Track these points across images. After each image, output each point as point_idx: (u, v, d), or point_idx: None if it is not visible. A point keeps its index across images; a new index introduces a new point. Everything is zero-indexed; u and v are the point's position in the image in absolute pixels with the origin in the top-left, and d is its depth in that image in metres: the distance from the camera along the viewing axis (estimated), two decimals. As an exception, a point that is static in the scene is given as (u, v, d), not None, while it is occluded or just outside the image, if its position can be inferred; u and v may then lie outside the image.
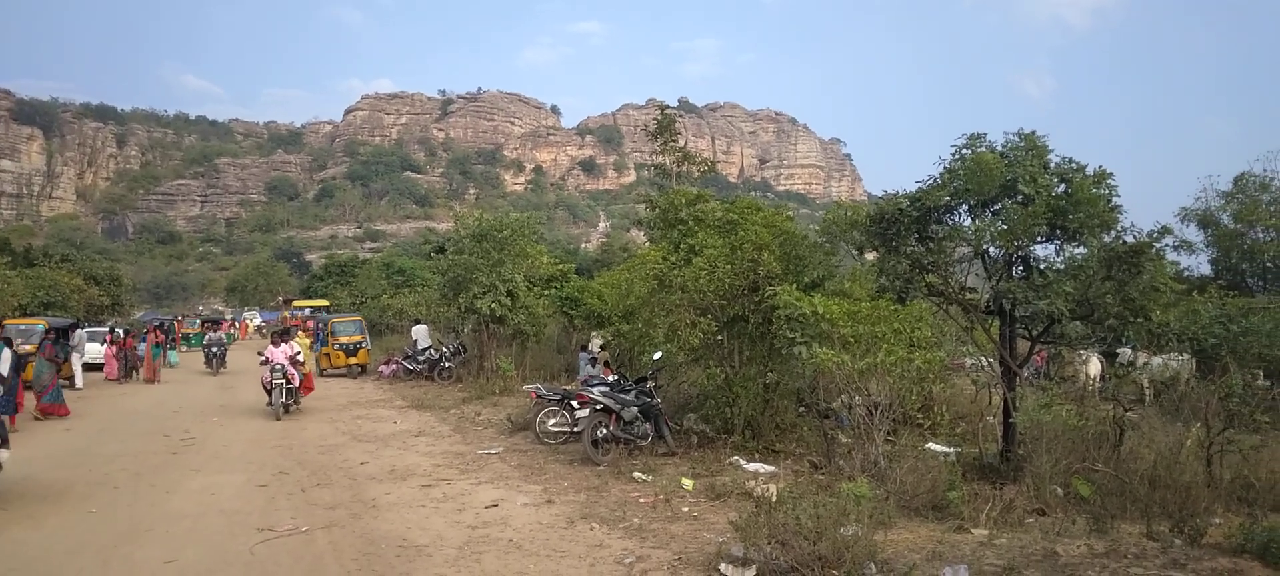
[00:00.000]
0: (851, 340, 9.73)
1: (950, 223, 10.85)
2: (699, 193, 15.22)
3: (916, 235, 11.63)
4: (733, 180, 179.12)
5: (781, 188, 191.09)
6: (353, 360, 26.10)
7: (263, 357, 16.55)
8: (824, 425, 10.77)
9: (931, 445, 10.18)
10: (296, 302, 50.42)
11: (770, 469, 9.90)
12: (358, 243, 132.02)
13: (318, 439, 13.52)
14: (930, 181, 11.12)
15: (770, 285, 10.87)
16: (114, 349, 24.86)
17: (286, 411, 16.29)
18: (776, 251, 11.49)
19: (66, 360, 20.23)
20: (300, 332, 26.95)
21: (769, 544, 6.02)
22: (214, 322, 39.27)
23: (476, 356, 23.29)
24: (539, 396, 13.21)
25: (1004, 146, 10.12)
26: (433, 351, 24.24)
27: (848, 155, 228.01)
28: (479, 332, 23.14)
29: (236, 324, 53.25)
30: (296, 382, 16.69)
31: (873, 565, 5.86)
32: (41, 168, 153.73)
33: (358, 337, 26.84)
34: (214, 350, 27.63)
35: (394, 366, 24.96)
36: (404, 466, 11.05)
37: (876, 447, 8.99)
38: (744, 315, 11.46)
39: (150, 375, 24.70)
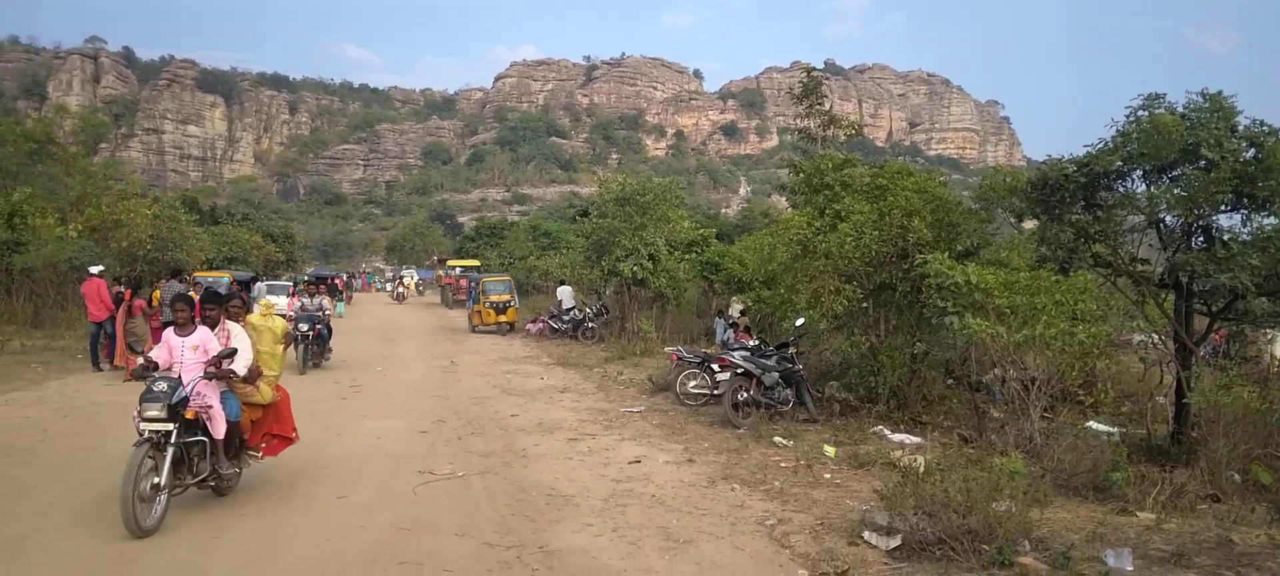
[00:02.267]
0: (1007, 311, 9.29)
1: (1122, 189, 10.17)
2: (846, 156, 14.86)
3: (1083, 202, 10.94)
4: (880, 144, 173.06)
5: (933, 152, 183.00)
6: (502, 318, 27.19)
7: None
8: (975, 398, 10.40)
9: (1093, 424, 9.65)
10: (450, 262, 52.79)
11: (916, 440, 9.66)
12: (506, 205, 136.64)
13: (471, 391, 14.25)
14: (1100, 145, 10.42)
15: (921, 252, 10.52)
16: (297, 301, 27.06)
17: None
18: (928, 218, 11.09)
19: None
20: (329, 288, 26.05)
21: (915, 514, 5.92)
22: (316, 282, 23.13)
23: (618, 318, 23.80)
24: (679, 358, 13.38)
25: (1185, 108, 9.35)
26: (577, 312, 24.92)
27: (1006, 118, 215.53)
28: (621, 295, 23.61)
29: (352, 282, 48.28)
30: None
31: (1027, 542, 5.66)
32: (223, 133, 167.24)
33: (507, 297, 27.90)
34: (305, 331, 16.48)
35: (540, 325, 25.87)
36: (551, 420, 11.49)
37: (1032, 423, 8.61)
38: (891, 283, 11.17)
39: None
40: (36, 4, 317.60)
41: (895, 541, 5.87)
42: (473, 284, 31.65)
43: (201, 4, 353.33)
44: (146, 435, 6.18)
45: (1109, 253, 11.12)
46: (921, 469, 6.95)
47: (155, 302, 15.77)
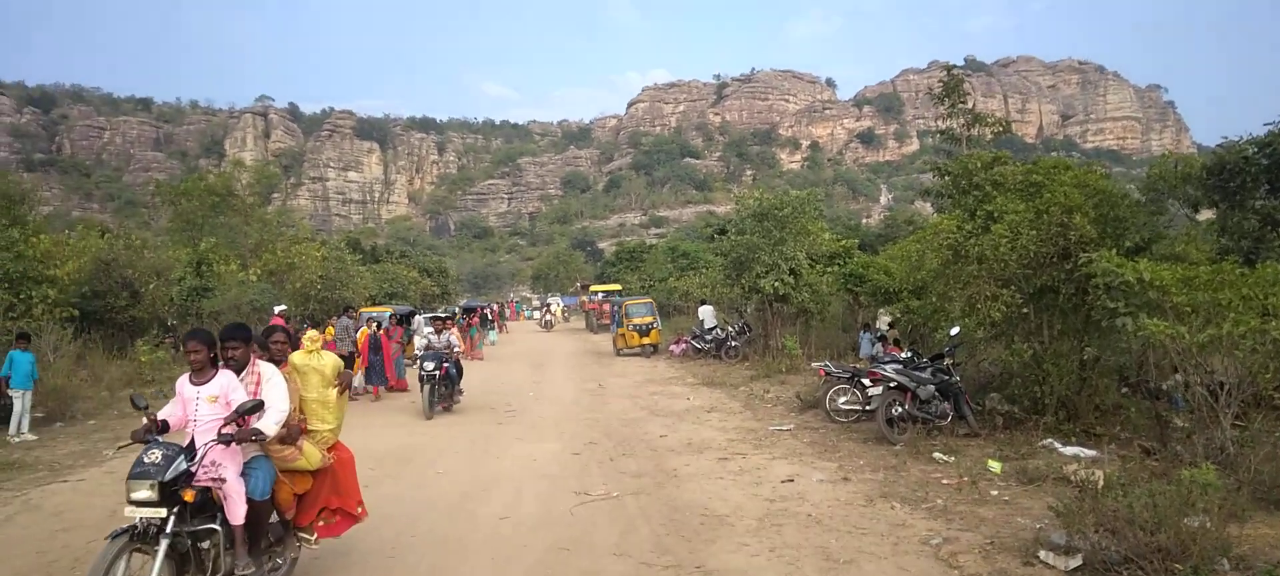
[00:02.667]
0: (1187, 310, 8.57)
1: (1316, 169, 9.25)
2: (996, 154, 14.18)
3: (1267, 186, 10.06)
4: (1030, 140, 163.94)
5: (1089, 145, 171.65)
6: (645, 340, 27.51)
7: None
8: (1155, 406, 9.65)
9: (1295, 431, 8.74)
10: (592, 287, 53.95)
11: (1091, 453, 9.05)
12: (644, 229, 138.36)
13: (620, 413, 14.49)
14: (1287, 122, 9.54)
15: (1084, 251, 9.87)
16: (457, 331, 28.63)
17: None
18: (1090, 213, 10.40)
19: (409, 341, 23.40)
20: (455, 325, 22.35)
21: (1096, 532, 5.56)
22: (443, 319, 17.72)
23: (761, 335, 23.58)
24: (828, 374, 13.12)
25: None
26: (719, 331, 24.89)
27: (1170, 103, 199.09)
28: (763, 312, 23.40)
29: (491, 314, 41.31)
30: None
31: (1225, 561, 5.21)
32: (380, 176, 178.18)
33: (649, 319, 28.20)
34: (430, 370, 14.67)
35: (683, 346, 26.00)
36: (700, 440, 11.52)
37: (1223, 432, 7.89)
38: (1053, 285, 10.53)
39: (474, 354, 27.97)
40: (214, 69, 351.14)
41: (1076, 561, 5.53)
42: (615, 308, 32.19)
43: (356, 58, 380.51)
44: (134, 523, 4.58)
45: (1305, 240, 10.14)
46: (1101, 483, 6.51)
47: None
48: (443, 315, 21.95)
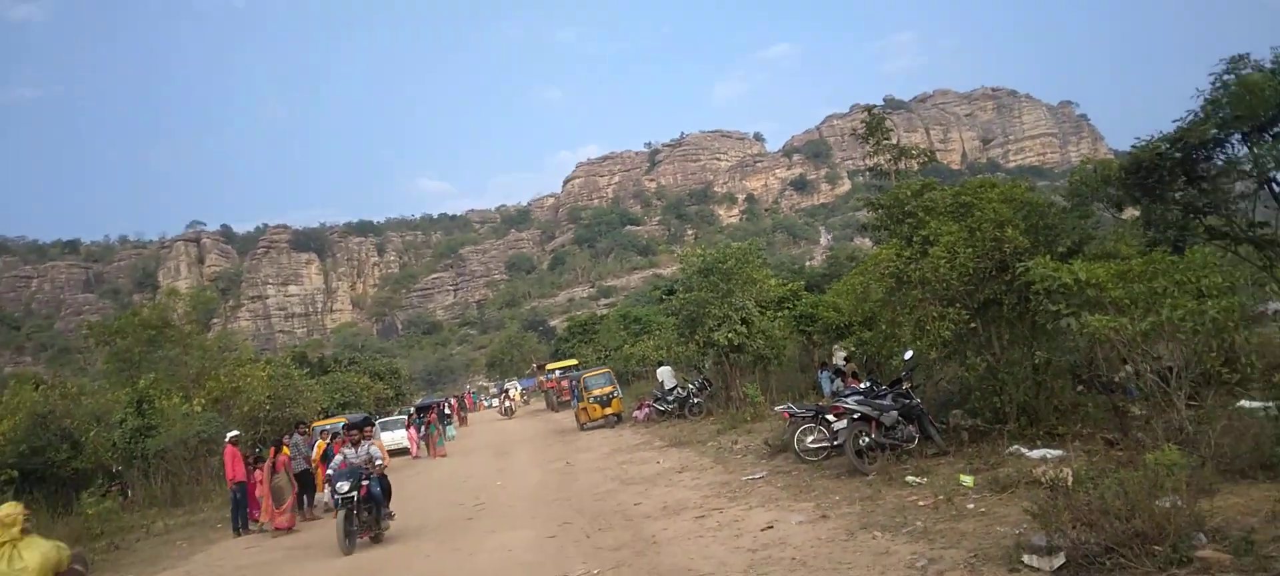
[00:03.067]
0: (1126, 302, 8.83)
1: (1223, 157, 9.72)
2: (924, 181, 14.62)
3: (1183, 177, 10.52)
4: (955, 167, 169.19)
5: (1012, 164, 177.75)
6: (608, 410, 27.30)
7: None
8: (1111, 399, 9.87)
9: (1244, 402, 9.00)
10: (549, 366, 53.58)
11: (1057, 453, 9.19)
12: (593, 301, 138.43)
13: (590, 487, 14.27)
14: (1190, 117, 10.03)
15: (1020, 260, 10.17)
16: (415, 431, 28.29)
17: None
18: (1021, 225, 10.75)
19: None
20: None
21: (1074, 528, 5.61)
22: (357, 427, 14.69)
23: (722, 388, 23.62)
24: (791, 415, 13.17)
25: (1274, 63, 8.95)
26: (680, 390, 24.85)
27: (1083, 116, 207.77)
28: (720, 365, 23.47)
29: (450, 407, 40.80)
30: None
31: (1202, 535, 5.29)
32: (321, 286, 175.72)
33: (609, 388, 28.05)
34: (346, 492, 11.87)
35: (646, 410, 25.86)
36: (675, 502, 11.39)
37: (1179, 413, 8.09)
38: (996, 298, 10.79)
39: (436, 452, 27.44)
40: (140, 202, 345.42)
41: (1059, 560, 5.56)
42: (574, 383, 31.98)
43: (285, 171, 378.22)
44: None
45: (1223, 222, 10.59)
46: (1071, 480, 6.59)
47: (287, 454, 16.52)
48: (358, 421, 18.63)
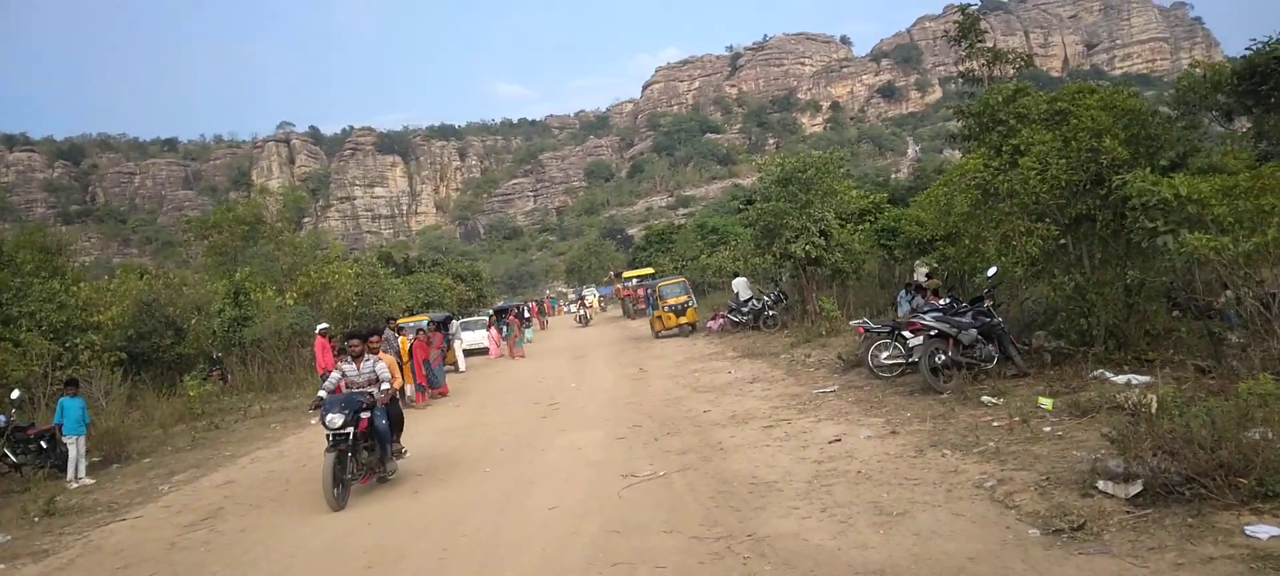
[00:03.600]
0: (1230, 221, 8.26)
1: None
2: (1017, 85, 13.79)
3: (1305, 85, 9.66)
4: (1056, 74, 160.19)
5: (1118, 71, 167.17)
6: (682, 319, 27.44)
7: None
8: (1208, 325, 9.35)
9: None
10: (625, 274, 53.92)
11: (1145, 379, 8.78)
12: (671, 210, 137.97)
13: (662, 393, 14.43)
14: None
15: (1118, 173, 9.59)
16: (496, 332, 29.23)
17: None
18: (1120, 134, 10.08)
19: (449, 347, 23.58)
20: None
21: (1154, 456, 5.38)
22: (361, 338, 10.03)
23: (798, 301, 23.37)
24: (867, 330, 12.95)
25: None
26: (755, 302, 24.72)
27: (1197, 18, 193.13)
28: (797, 277, 23.16)
29: (530, 310, 41.05)
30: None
31: (1294, 471, 5.00)
32: (406, 189, 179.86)
33: (684, 298, 28.13)
34: (339, 426, 8.81)
35: (721, 321, 25.88)
36: (744, 411, 11.43)
37: (1279, 342, 7.61)
38: (1089, 213, 10.24)
39: (515, 353, 28.22)
40: (233, 102, 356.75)
41: (1135, 487, 5.36)
42: (649, 291, 32.17)
43: (370, 75, 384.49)
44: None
45: (1349, 135, 9.75)
46: (1156, 407, 6.31)
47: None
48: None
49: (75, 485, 11.96)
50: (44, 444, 12.80)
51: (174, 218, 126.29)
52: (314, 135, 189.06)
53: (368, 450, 9.22)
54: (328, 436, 8.75)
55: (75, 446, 12.34)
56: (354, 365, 9.66)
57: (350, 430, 8.78)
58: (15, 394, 13.54)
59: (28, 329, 18.15)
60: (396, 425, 9.78)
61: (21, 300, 19.25)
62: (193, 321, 23.38)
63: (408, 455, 10.12)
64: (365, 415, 9.08)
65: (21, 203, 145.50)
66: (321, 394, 9.33)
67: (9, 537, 9.13)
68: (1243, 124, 10.64)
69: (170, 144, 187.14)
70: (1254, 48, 9.36)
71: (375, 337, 10.15)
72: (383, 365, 9.74)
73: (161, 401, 18.59)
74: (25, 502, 10.59)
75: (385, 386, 9.51)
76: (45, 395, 16.13)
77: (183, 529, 8.68)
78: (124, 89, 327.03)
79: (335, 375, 9.66)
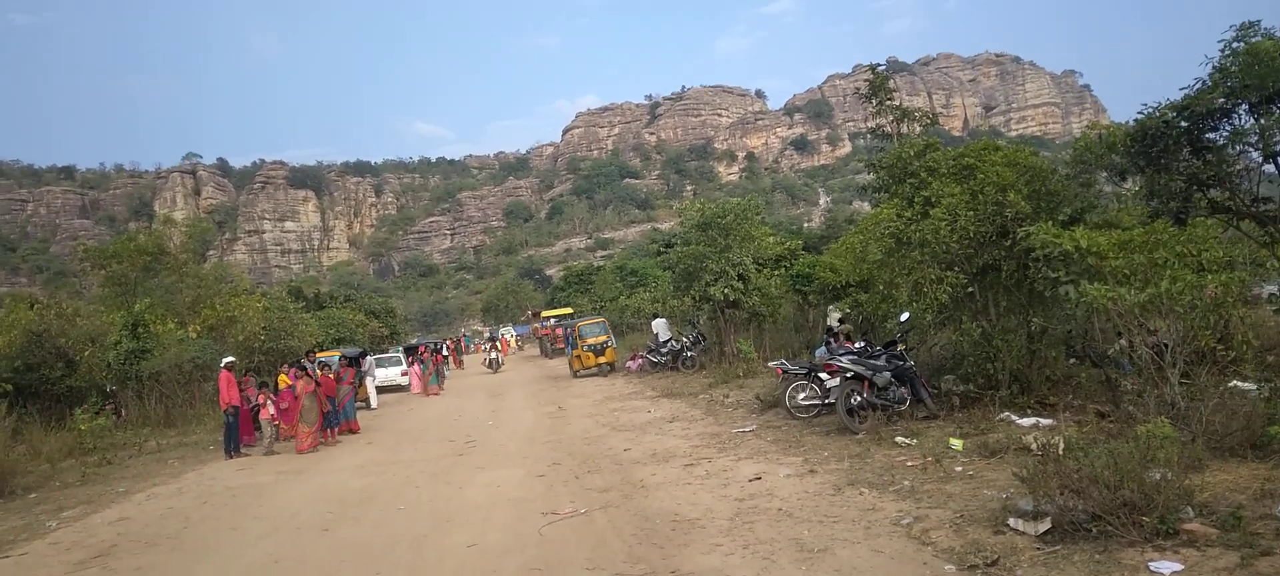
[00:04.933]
0: (1125, 273, 8.77)
1: (1229, 127, 9.60)
2: (927, 141, 14.45)
3: (1188, 148, 10.39)
4: (957, 133, 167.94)
5: (1013, 133, 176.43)
6: (602, 359, 27.38)
7: None
8: (1104, 371, 9.86)
9: (1236, 382, 9.00)
10: (543, 314, 53.63)
11: (1048, 421, 9.20)
12: (589, 252, 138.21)
13: (582, 432, 14.33)
14: (1198, 85, 9.89)
15: (1021, 226, 10.10)
16: (418, 367, 28.96)
17: None
18: (1023, 189, 10.63)
19: (361, 384, 22.95)
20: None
21: (1062, 494, 5.62)
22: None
23: (716, 343, 23.64)
24: (785, 371, 13.18)
25: (1287, 30, 8.79)
26: (674, 343, 24.89)
27: (1086, 86, 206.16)
28: (715, 320, 23.47)
29: (447, 349, 41.56)
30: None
31: (1189, 509, 5.30)
32: (318, 224, 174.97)
33: (604, 337, 28.11)
34: None
35: (640, 361, 25.93)
36: (664, 449, 11.44)
37: (1172, 388, 8.07)
38: (995, 263, 10.73)
39: (429, 389, 27.71)
40: (137, 132, 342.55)
41: (1044, 525, 5.58)
42: (568, 331, 32.02)
43: (284, 109, 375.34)
44: None
45: (1226, 196, 10.50)
46: (1062, 447, 6.60)
47: (281, 387, 16.66)
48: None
49: (-52, 525, 11.07)
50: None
51: (68, 247, 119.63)
52: (222, 167, 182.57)
53: None
54: None
55: (-50, 483, 11.47)
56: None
57: None
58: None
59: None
60: None
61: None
62: (86, 353, 22.08)
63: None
64: None
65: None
66: None
67: None
68: (1135, 183, 11.34)
69: (67, 172, 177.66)
70: (1145, 112, 10.01)
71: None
72: None
73: (50, 435, 17.46)
74: (-111, 544, 9.76)
75: None
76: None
77: (72, 566, 8.13)
78: (16, 115, 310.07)
79: None
